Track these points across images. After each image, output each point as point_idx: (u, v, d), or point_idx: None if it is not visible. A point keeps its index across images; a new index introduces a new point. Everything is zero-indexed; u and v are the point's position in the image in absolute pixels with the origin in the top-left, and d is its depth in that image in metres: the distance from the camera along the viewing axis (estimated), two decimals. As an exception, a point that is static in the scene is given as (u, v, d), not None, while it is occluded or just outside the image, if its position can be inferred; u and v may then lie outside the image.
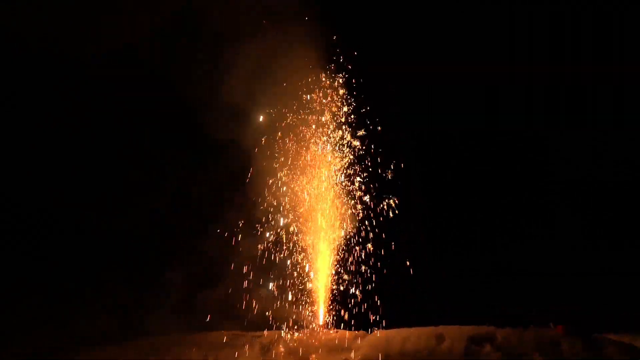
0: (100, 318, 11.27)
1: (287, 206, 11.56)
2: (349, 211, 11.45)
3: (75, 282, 11.89)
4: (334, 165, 11.76)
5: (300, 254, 11.27)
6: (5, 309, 11.23)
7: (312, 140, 11.84)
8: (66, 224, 12.94)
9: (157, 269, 12.07)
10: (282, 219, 11.47)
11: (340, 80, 12.08)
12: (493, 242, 12.76)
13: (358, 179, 11.75)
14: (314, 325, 10.56)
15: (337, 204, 11.50)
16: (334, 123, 11.95)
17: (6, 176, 12.68)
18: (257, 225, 11.46)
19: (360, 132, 11.93)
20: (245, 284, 11.00)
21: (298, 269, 11.17)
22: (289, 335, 9.72)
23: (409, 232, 11.62)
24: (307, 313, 10.75)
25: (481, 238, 12.93)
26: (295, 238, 11.38)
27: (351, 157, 11.85)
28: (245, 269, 11.09)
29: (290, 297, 10.83)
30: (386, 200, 11.55)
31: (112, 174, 13.18)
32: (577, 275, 11.73)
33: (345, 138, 11.93)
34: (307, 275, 11.12)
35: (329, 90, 12.06)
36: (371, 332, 9.45)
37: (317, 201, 11.56)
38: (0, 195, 12.79)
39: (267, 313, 10.55)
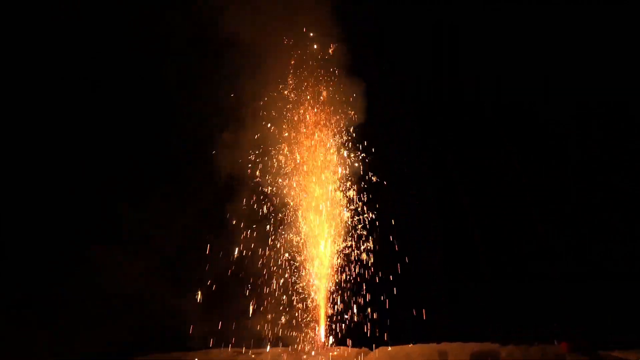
0: (99, 335, 11.18)
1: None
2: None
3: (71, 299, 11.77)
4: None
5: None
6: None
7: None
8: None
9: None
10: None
11: None
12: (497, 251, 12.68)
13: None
14: (316, 343, 10.51)
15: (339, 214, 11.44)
16: None
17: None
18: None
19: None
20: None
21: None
22: (291, 352, 9.67)
23: (414, 248, 11.56)
24: (309, 330, 10.70)
25: (485, 248, 12.83)
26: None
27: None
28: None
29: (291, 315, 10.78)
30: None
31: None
32: (581, 289, 11.65)
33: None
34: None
35: None
36: (374, 349, 9.39)
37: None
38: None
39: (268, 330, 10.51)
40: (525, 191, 13.33)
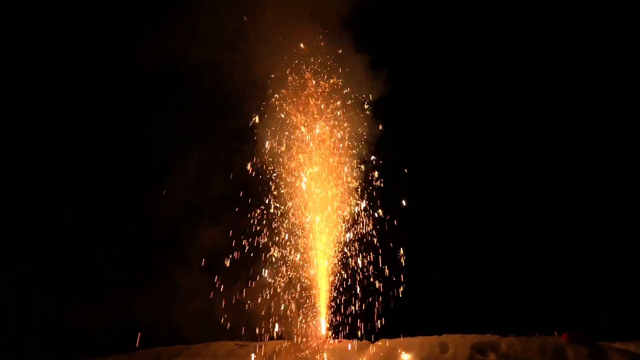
0: (103, 328, 11.19)
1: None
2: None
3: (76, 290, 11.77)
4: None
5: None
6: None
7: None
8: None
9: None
10: None
11: None
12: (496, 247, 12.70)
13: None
14: (318, 335, 10.50)
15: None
16: None
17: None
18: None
19: None
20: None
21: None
22: (293, 345, 9.67)
23: (412, 240, 11.61)
24: (312, 322, 10.70)
25: (484, 243, 12.86)
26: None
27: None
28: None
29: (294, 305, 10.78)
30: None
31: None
32: (583, 282, 11.67)
33: None
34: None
35: None
36: (375, 342, 9.39)
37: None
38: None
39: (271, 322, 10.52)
40: (523, 192, 13.40)
